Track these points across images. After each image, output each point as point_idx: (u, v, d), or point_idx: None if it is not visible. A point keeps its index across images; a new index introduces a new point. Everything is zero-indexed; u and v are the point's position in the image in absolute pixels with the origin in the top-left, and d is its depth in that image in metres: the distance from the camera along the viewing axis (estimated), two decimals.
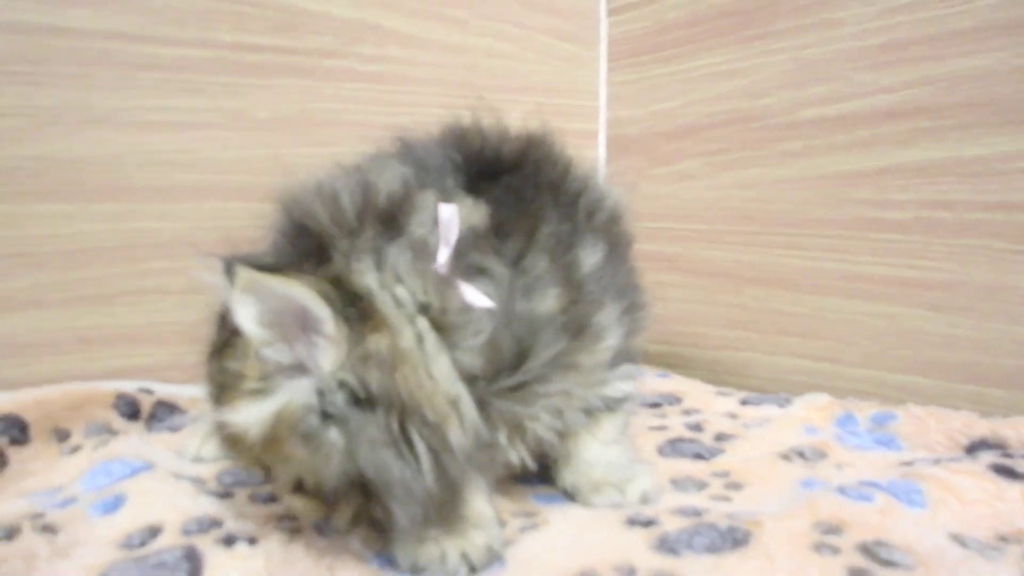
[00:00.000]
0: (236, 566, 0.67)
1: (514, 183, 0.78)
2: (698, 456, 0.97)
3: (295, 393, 0.62)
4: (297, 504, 0.69)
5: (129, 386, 1.09)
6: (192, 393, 1.15)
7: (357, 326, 0.63)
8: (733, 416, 1.14)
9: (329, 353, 0.62)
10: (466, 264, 0.70)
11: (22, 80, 1.04)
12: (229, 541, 0.71)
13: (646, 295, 0.89)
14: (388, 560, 0.72)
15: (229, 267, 0.63)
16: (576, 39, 1.58)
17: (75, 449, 0.94)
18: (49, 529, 0.73)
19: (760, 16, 1.29)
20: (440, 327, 0.67)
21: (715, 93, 1.37)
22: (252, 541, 0.71)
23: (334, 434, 0.62)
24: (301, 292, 0.60)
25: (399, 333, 0.64)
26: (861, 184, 1.19)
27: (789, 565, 0.64)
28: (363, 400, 0.62)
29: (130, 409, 1.06)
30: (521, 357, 0.71)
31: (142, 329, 1.16)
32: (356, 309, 0.63)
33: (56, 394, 0.99)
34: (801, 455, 0.95)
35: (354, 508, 0.67)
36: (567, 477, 0.86)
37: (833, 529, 0.70)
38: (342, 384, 0.62)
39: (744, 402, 1.20)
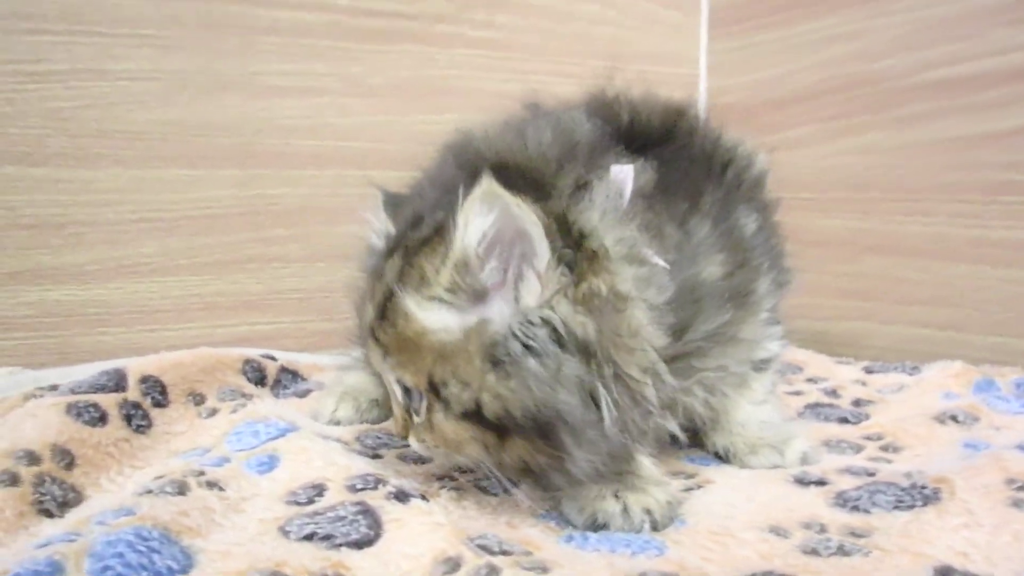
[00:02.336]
0: (418, 520, 0.61)
1: (666, 154, 0.73)
2: (843, 420, 0.91)
3: (496, 315, 0.58)
4: (461, 433, 0.62)
5: (254, 352, 1.05)
6: (311, 360, 1.11)
7: (576, 266, 0.58)
8: (862, 383, 1.07)
9: (535, 289, 0.58)
10: (640, 223, 0.64)
11: (152, 43, 1.00)
12: (401, 497, 0.65)
13: (790, 257, 0.84)
14: (561, 518, 0.66)
15: (477, 171, 0.58)
16: (678, 6, 1.50)
17: (212, 412, 0.89)
18: (215, 485, 0.68)
19: None
20: (643, 280, 0.62)
21: (826, 58, 1.29)
22: (423, 498, 0.66)
23: (534, 364, 0.57)
24: (532, 221, 0.56)
25: (619, 276, 0.59)
26: (992, 146, 1.10)
27: (992, 520, 0.57)
28: (564, 340, 0.58)
29: (258, 375, 1.02)
30: (682, 328, 0.66)
31: (264, 297, 1.12)
32: (577, 249, 0.59)
33: (189, 358, 0.94)
34: (954, 418, 0.88)
35: (527, 447, 0.60)
36: (718, 440, 0.81)
37: None
38: (545, 321, 0.58)
39: (869, 370, 1.12)
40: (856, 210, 1.26)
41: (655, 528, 0.63)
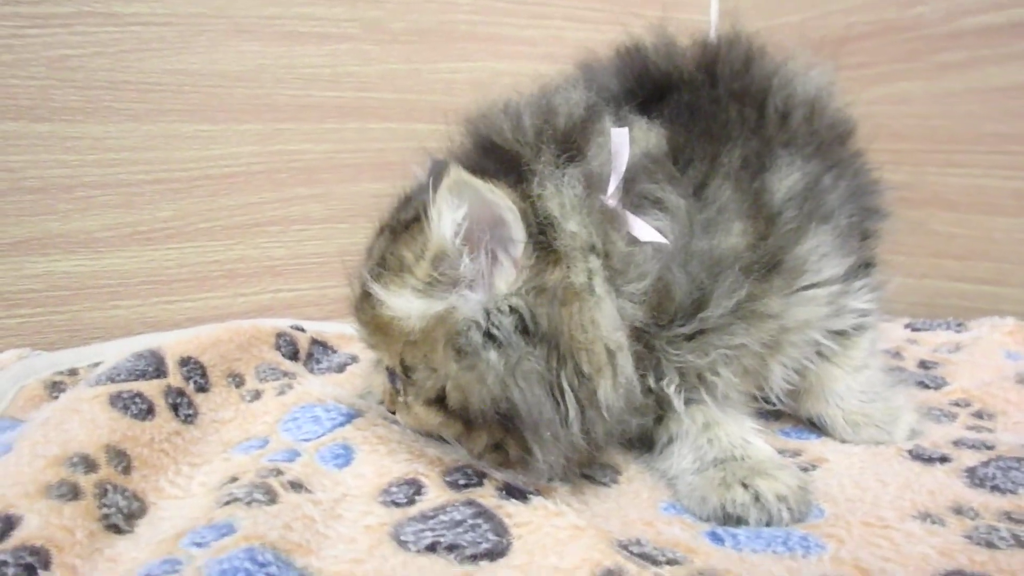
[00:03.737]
0: (550, 523, 0.55)
1: (688, 99, 0.65)
2: (921, 385, 0.86)
3: (463, 304, 0.56)
4: (430, 418, 0.61)
5: (283, 323, 0.95)
6: (338, 330, 1.02)
7: (540, 254, 0.56)
8: (915, 343, 1.03)
9: (509, 275, 0.56)
10: (637, 194, 0.59)
11: None
12: (516, 494, 0.59)
13: (879, 186, 0.76)
14: (682, 510, 0.61)
15: (440, 164, 0.58)
16: None
17: (256, 395, 0.80)
18: (300, 486, 0.60)
19: None
20: (606, 269, 0.58)
21: (856, 3, 1.21)
22: (540, 493, 0.59)
23: (494, 356, 0.55)
24: (507, 206, 0.53)
25: (573, 269, 0.56)
26: None
27: None
28: (529, 331, 0.56)
29: (291, 348, 0.92)
30: (699, 303, 0.60)
31: (286, 262, 1.01)
32: (542, 237, 0.56)
33: (225, 334, 0.84)
34: None
35: (492, 438, 0.59)
36: (812, 407, 0.74)
37: None
38: (512, 309, 0.56)
39: (914, 328, 1.09)
40: (888, 161, 1.19)
41: (793, 518, 0.57)
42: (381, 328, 0.60)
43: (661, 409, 0.66)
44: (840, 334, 0.71)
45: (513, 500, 0.58)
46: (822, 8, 1.27)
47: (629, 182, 0.59)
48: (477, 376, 0.55)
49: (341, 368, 0.93)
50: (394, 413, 0.67)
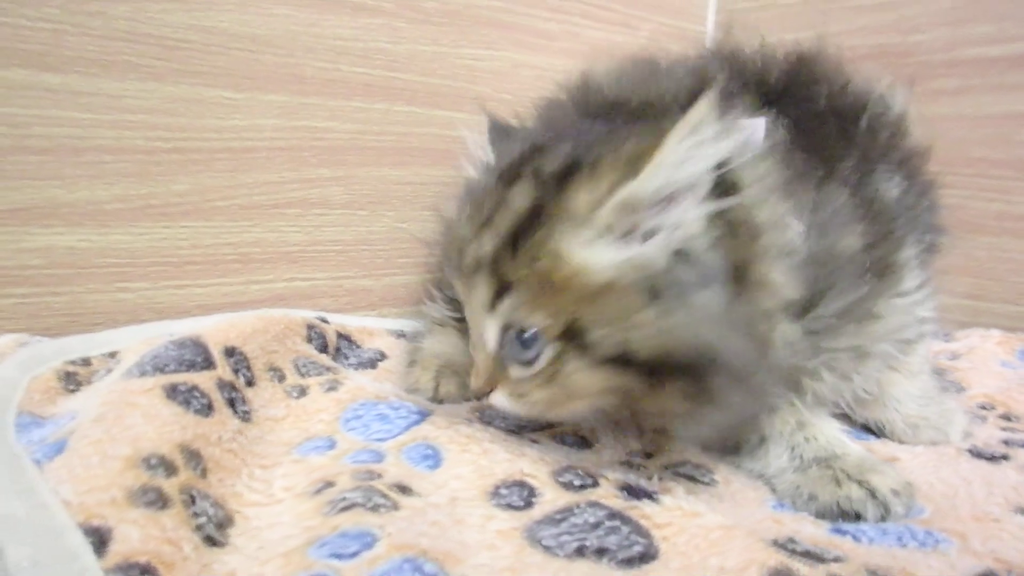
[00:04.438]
0: (694, 523, 0.52)
1: (793, 109, 0.65)
2: (943, 390, 0.88)
3: (656, 250, 0.52)
4: (598, 382, 0.54)
5: (311, 315, 0.87)
6: (359, 324, 0.94)
7: (729, 194, 0.54)
8: None
9: (701, 215, 0.52)
10: (777, 178, 0.58)
11: None
12: (642, 495, 0.55)
13: (942, 210, 0.77)
14: (785, 506, 0.59)
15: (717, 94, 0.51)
16: None
17: (302, 391, 0.72)
18: (407, 490, 0.54)
19: None
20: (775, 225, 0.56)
21: (857, 26, 1.25)
22: (661, 493, 0.56)
23: (703, 297, 0.52)
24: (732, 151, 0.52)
25: (759, 208, 0.55)
26: (1022, 126, 1.11)
27: None
28: (724, 270, 0.53)
29: (321, 342, 0.84)
30: (811, 302, 0.60)
31: (303, 248, 0.93)
32: (729, 180, 0.54)
33: (261, 323, 0.76)
34: None
35: (676, 392, 0.54)
36: (870, 414, 0.76)
37: None
38: (711, 246, 0.53)
39: None
40: None
41: (906, 513, 0.57)
42: (546, 286, 0.53)
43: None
44: (904, 342, 0.72)
45: (644, 500, 0.54)
46: (824, 29, 1.30)
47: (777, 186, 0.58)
48: (682, 320, 0.51)
49: (373, 364, 0.86)
50: (486, 395, 0.60)
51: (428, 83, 0.99)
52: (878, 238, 0.63)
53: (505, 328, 0.56)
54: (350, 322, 0.93)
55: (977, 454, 0.69)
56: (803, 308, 0.59)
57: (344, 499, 0.50)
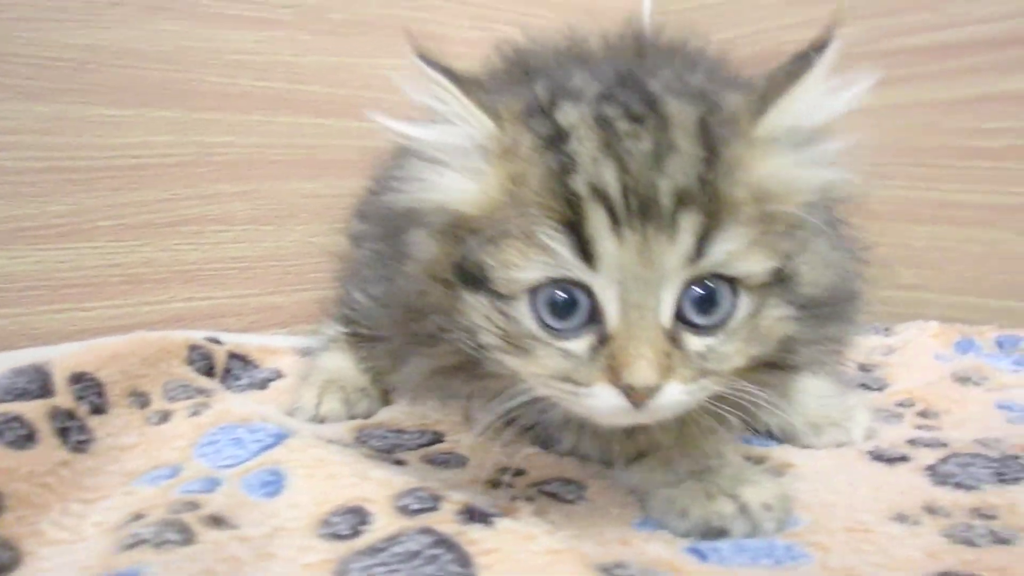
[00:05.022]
0: (521, 548, 0.47)
1: None
2: (865, 387, 0.86)
3: (831, 179, 0.52)
4: (784, 328, 0.50)
5: (197, 335, 0.83)
6: (261, 343, 0.91)
7: None
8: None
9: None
10: None
11: None
12: (480, 518, 0.50)
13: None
14: (657, 525, 0.55)
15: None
16: None
17: (164, 416, 0.68)
18: (221, 521, 0.50)
19: None
20: None
21: (788, 22, 1.24)
22: (502, 515, 0.51)
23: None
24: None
25: None
26: (955, 113, 1.10)
27: None
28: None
29: (206, 363, 0.81)
30: None
31: (201, 266, 0.89)
32: None
33: (127, 346, 0.72)
34: (970, 379, 0.85)
35: (831, 334, 0.57)
36: (771, 418, 0.70)
37: None
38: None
39: None
40: None
41: (777, 528, 0.52)
42: (764, 218, 0.48)
43: None
44: None
45: (476, 524, 0.49)
46: (755, 26, 1.28)
47: None
48: (838, 255, 0.54)
49: (264, 384, 0.83)
50: (655, 386, 0.47)
51: (337, 94, 0.96)
52: None
53: (687, 285, 0.48)
54: (250, 341, 0.89)
55: (877, 456, 0.65)
56: None
57: (134, 535, 0.46)
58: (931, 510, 0.54)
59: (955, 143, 1.10)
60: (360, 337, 0.80)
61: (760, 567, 0.47)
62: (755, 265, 0.47)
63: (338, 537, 0.49)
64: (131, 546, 0.44)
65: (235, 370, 0.85)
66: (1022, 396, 0.78)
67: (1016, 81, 1.04)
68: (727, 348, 0.48)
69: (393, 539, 0.48)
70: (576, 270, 0.46)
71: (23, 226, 0.76)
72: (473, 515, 0.51)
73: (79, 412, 0.62)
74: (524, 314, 0.49)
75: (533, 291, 0.48)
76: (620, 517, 0.56)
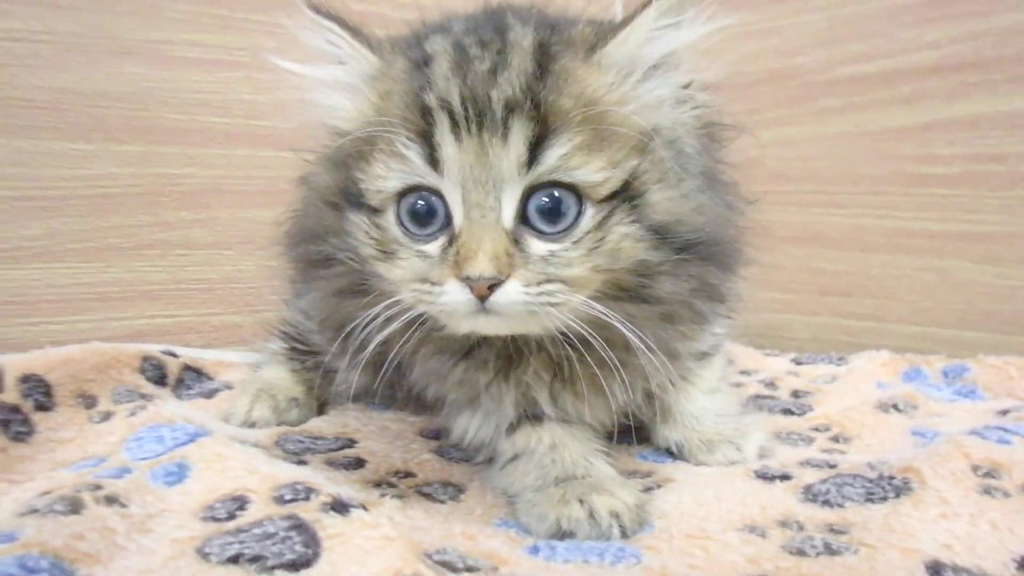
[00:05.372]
0: (363, 534, 0.53)
1: None
2: (787, 412, 0.89)
3: (685, 109, 0.58)
4: (638, 251, 0.53)
5: (153, 348, 0.92)
6: (218, 357, 0.99)
7: None
8: (795, 375, 1.05)
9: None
10: None
11: (42, 2, 0.86)
12: (339, 508, 0.56)
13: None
14: (520, 526, 0.59)
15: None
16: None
17: (106, 415, 0.77)
18: (115, 501, 0.57)
19: None
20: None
21: (744, 52, 1.27)
22: (365, 508, 0.57)
23: (703, 165, 0.58)
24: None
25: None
26: (905, 139, 1.11)
27: (967, 509, 0.55)
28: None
29: (157, 373, 0.89)
30: None
31: (164, 287, 0.99)
32: None
33: (79, 354, 0.81)
34: (895, 407, 0.86)
35: (697, 274, 0.57)
36: (670, 434, 0.75)
37: (992, 472, 0.61)
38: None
39: (798, 362, 1.12)
40: (775, 202, 1.25)
41: (624, 534, 0.56)
42: (600, 128, 0.51)
43: None
44: (700, 356, 0.74)
45: (333, 513, 0.55)
46: (712, 57, 1.31)
47: None
48: (706, 200, 0.55)
49: (211, 394, 0.90)
50: (496, 278, 0.50)
51: (296, 129, 1.04)
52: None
53: (530, 191, 0.51)
54: (207, 356, 0.98)
55: (762, 474, 0.67)
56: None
57: (30, 506, 0.53)
58: (784, 524, 0.56)
59: (908, 170, 1.11)
60: (296, 351, 0.88)
61: (579, 563, 0.51)
62: (593, 174, 0.50)
63: (215, 520, 0.56)
64: (21, 514, 0.52)
65: (188, 381, 0.93)
66: (945, 424, 0.79)
67: (965, 106, 1.05)
68: (570, 255, 0.51)
69: (258, 523, 0.54)
70: (428, 176, 0.52)
71: (0, 248, 0.86)
72: (335, 506, 0.57)
73: (24, 408, 0.71)
74: (391, 223, 0.55)
75: (398, 202, 0.55)
76: (482, 517, 0.61)
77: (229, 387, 0.93)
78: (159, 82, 0.94)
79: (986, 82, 1.02)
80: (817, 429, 0.81)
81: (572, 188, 0.51)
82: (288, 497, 0.59)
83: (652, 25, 0.54)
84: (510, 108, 0.50)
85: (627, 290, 0.55)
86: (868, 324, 1.16)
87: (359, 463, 0.71)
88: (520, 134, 0.50)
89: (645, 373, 0.61)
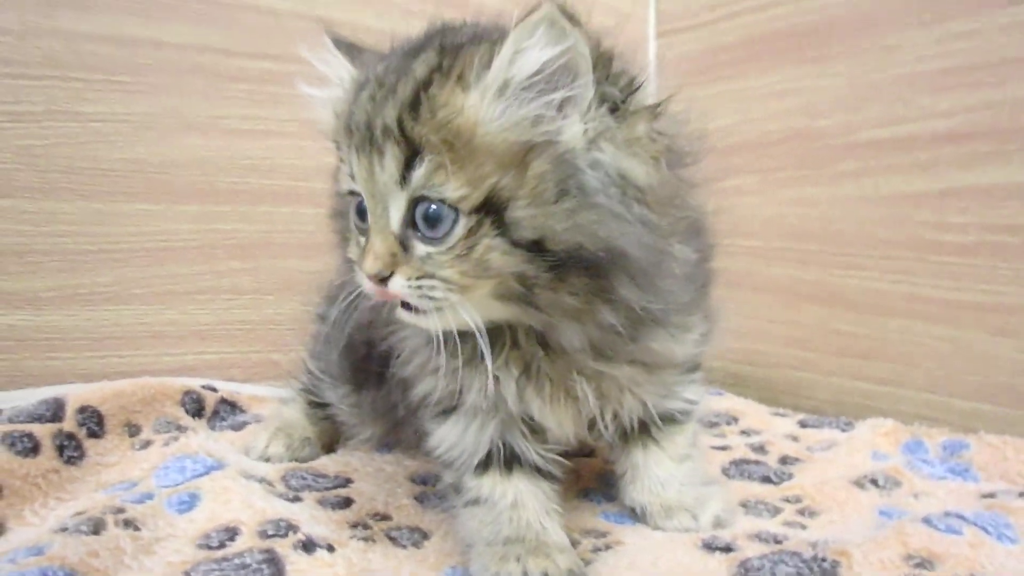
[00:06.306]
0: (317, 572, 0.64)
1: None
2: (766, 479, 0.92)
3: (564, 137, 0.57)
4: (510, 264, 0.57)
5: (195, 382, 1.07)
6: (253, 392, 1.13)
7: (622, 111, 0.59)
8: (795, 439, 1.07)
9: (586, 115, 0.57)
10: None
11: (123, 88, 1.05)
12: (308, 547, 0.68)
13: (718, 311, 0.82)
14: (459, 572, 0.68)
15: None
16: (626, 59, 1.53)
17: (146, 444, 0.92)
18: (131, 524, 0.70)
19: (816, 40, 1.23)
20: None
21: (770, 112, 1.31)
22: (331, 548, 0.68)
23: (604, 200, 0.56)
24: (587, 43, 0.56)
25: (669, 135, 0.62)
26: (921, 206, 1.11)
27: None
28: (620, 182, 0.57)
29: (196, 406, 1.04)
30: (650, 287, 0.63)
31: (212, 327, 1.14)
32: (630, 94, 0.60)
33: (130, 388, 0.97)
34: (875, 482, 0.88)
35: (578, 287, 0.59)
36: (636, 496, 0.80)
37: (925, 562, 0.64)
38: (602, 158, 0.57)
39: (803, 424, 1.13)
40: (796, 260, 1.28)
41: None
42: (460, 150, 0.56)
43: None
44: (669, 419, 0.79)
45: (302, 551, 0.66)
46: (740, 116, 1.37)
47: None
48: (592, 217, 0.56)
49: (240, 427, 1.04)
50: (382, 276, 0.60)
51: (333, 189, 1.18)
52: (703, 260, 0.72)
53: (414, 203, 0.58)
54: (243, 390, 1.12)
55: (707, 544, 0.71)
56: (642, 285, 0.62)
57: (62, 526, 0.67)
58: None
59: (924, 236, 1.12)
60: (311, 403, 1.00)
61: None
62: (454, 191, 0.56)
63: (208, 547, 0.67)
64: (55, 531, 0.66)
65: (222, 413, 1.07)
66: (919, 505, 0.80)
67: (979, 175, 1.06)
68: (443, 258, 0.58)
69: (240, 553, 0.66)
70: (354, 185, 0.63)
71: (78, 292, 1.03)
72: (306, 544, 0.67)
73: (79, 435, 0.86)
74: (351, 215, 0.65)
75: (352, 199, 0.65)
76: (434, 564, 0.69)
77: (258, 419, 1.06)
78: (217, 151, 1.10)
79: (1001, 152, 1.03)
80: (788, 500, 0.84)
81: (444, 201, 0.57)
82: (271, 532, 0.70)
83: (517, 46, 0.55)
84: (385, 134, 0.58)
85: (516, 296, 0.60)
86: (884, 389, 1.17)
87: (347, 503, 0.82)
88: (392, 157, 0.58)
89: (619, 386, 0.69)
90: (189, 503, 0.75)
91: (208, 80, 1.10)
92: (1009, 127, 1.02)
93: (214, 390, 1.07)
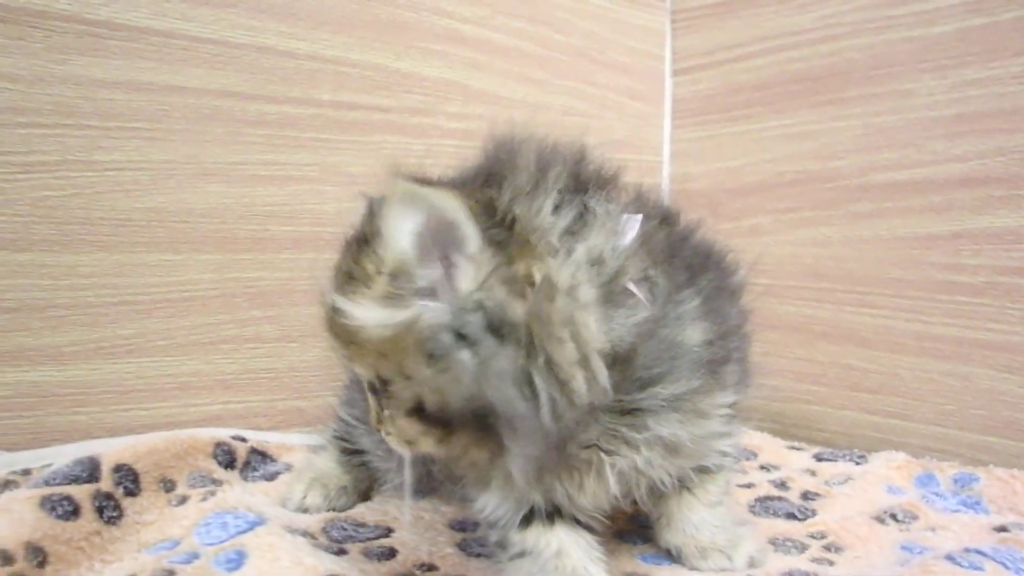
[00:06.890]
0: None
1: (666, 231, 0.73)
2: (791, 516, 0.95)
3: (427, 311, 0.57)
4: (412, 430, 0.64)
5: (224, 433, 1.07)
6: (281, 440, 1.14)
7: (505, 249, 0.58)
8: (812, 473, 1.11)
9: (469, 272, 0.57)
10: (634, 266, 0.65)
11: (139, 136, 1.04)
12: None
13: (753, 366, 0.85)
14: None
15: (391, 178, 0.58)
16: (642, 98, 1.58)
17: (182, 500, 0.91)
18: None
19: (832, 83, 1.29)
20: (604, 288, 0.61)
21: (785, 153, 1.36)
22: None
23: (466, 356, 0.57)
24: (452, 205, 0.55)
25: (556, 269, 0.59)
26: (934, 247, 1.17)
27: None
28: (498, 328, 0.57)
29: (228, 457, 1.04)
30: (650, 381, 0.67)
31: (237, 376, 1.14)
32: (506, 232, 0.59)
33: (162, 443, 0.96)
34: (894, 517, 0.92)
35: (468, 441, 0.63)
36: (671, 539, 0.83)
37: None
38: (479, 306, 0.57)
39: (819, 458, 1.17)
40: (810, 298, 1.33)
41: None
42: (352, 340, 0.62)
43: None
44: (702, 470, 0.81)
45: None
46: (756, 156, 1.41)
47: (630, 256, 0.64)
48: (452, 378, 0.57)
49: (272, 477, 1.04)
50: (379, 430, 0.69)
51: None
52: (718, 338, 0.71)
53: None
54: (272, 438, 1.12)
55: None
56: (644, 385, 0.66)
57: None
58: None
59: (936, 277, 1.17)
60: (345, 451, 1.01)
61: None
62: (362, 373, 0.66)
63: None
64: None
65: (254, 463, 1.07)
66: (937, 540, 0.84)
67: (991, 219, 1.11)
68: (393, 421, 0.66)
69: None
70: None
71: (101, 345, 1.03)
72: None
73: (116, 494, 0.85)
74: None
75: None
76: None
77: (289, 468, 1.07)
78: (237, 198, 1.11)
79: (1012, 197, 1.08)
80: (813, 536, 0.88)
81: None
82: None
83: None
84: (325, 323, 0.66)
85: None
86: (895, 422, 1.21)
87: (391, 553, 0.83)
88: (332, 340, 0.66)
89: (638, 469, 0.70)
90: (237, 561, 0.76)
91: (226, 125, 1.11)
92: (1021, 173, 1.08)
93: (244, 440, 1.07)
